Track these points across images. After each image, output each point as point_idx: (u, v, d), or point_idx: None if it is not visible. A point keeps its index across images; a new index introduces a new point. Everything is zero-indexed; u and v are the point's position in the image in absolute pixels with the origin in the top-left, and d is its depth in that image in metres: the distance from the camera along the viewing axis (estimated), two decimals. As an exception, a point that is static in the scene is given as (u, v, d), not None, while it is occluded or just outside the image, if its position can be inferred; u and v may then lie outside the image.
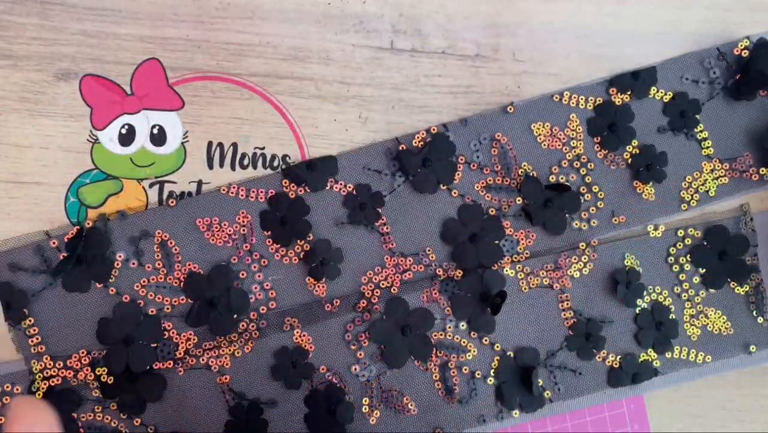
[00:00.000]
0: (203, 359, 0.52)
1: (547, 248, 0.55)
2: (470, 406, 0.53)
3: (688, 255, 0.55)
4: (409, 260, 0.53)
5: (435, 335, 0.53)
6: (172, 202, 0.52)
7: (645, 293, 0.55)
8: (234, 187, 0.52)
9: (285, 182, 0.53)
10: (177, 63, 0.52)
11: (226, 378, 0.52)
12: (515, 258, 0.54)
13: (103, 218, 0.52)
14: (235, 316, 0.52)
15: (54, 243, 0.51)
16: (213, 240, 0.52)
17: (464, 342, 0.53)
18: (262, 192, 0.53)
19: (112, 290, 0.51)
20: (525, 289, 0.54)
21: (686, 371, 0.55)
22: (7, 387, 0.51)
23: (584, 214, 0.55)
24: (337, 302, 0.53)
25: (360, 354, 0.53)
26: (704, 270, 0.55)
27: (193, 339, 0.52)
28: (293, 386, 0.52)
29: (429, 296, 0.53)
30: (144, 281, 0.52)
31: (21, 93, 0.52)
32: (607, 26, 0.55)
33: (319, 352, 0.53)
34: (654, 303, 0.55)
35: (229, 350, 0.52)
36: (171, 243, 0.51)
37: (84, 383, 0.51)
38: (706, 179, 0.56)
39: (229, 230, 0.52)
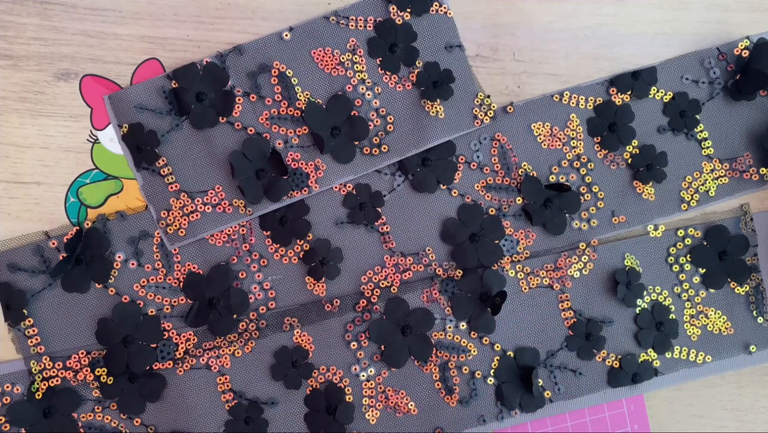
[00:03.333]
0: (203, 359, 0.52)
1: (547, 248, 0.54)
2: (470, 406, 0.53)
3: (688, 255, 0.55)
4: (409, 260, 0.53)
5: (435, 335, 0.53)
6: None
7: (645, 293, 0.55)
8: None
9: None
10: (177, 63, 0.52)
11: (226, 378, 0.52)
12: (515, 258, 0.54)
13: (102, 218, 0.52)
14: (234, 316, 0.52)
15: (53, 243, 0.51)
16: (213, 241, 0.52)
17: (464, 342, 0.53)
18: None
19: (111, 291, 0.51)
20: (525, 289, 0.54)
21: (686, 371, 0.55)
22: (8, 387, 0.51)
23: (584, 215, 0.55)
24: (336, 302, 0.53)
25: (360, 354, 0.53)
26: (704, 270, 0.55)
27: (193, 339, 0.52)
28: (293, 386, 0.52)
29: (429, 296, 0.53)
30: (143, 282, 0.52)
31: (21, 93, 0.52)
32: (606, 27, 0.55)
33: (319, 352, 0.53)
34: (654, 303, 0.55)
35: (229, 350, 0.52)
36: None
37: (84, 383, 0.51)
38: (706, 179, 0.55)
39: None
